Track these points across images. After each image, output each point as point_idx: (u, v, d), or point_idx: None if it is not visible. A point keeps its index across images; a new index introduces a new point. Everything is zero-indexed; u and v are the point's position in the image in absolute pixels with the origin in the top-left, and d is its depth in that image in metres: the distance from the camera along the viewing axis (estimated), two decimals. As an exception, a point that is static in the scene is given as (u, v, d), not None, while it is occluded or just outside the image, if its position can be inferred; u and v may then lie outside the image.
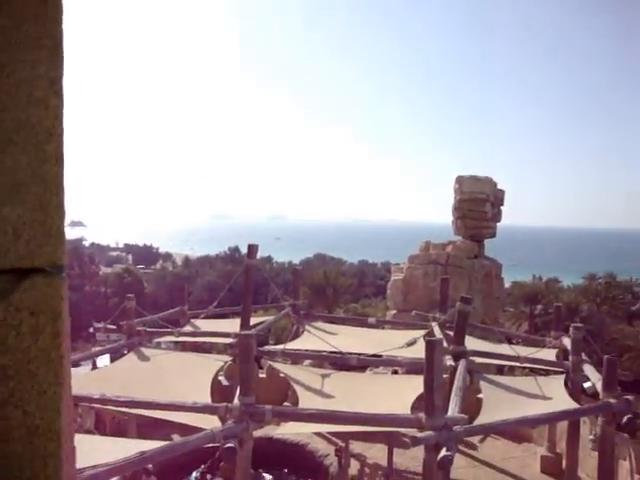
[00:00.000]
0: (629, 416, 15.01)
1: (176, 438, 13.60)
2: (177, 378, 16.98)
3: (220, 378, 22.66)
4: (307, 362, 24.05)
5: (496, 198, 43.32)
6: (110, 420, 21.75)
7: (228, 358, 19.28)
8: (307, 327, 23.08)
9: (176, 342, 24.64)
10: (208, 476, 20.63)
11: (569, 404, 16.97)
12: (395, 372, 26.86)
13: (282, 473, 21.64)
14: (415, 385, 14.63)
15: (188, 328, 23.43)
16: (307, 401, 15.63)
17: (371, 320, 27.69)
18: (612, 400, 15.17)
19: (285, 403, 23.17)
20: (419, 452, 12.80)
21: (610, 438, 15.88)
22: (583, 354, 19.82)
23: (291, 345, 20.77)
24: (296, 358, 21.87)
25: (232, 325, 22.17)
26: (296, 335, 23.02)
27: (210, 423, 12.64)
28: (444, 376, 14.54)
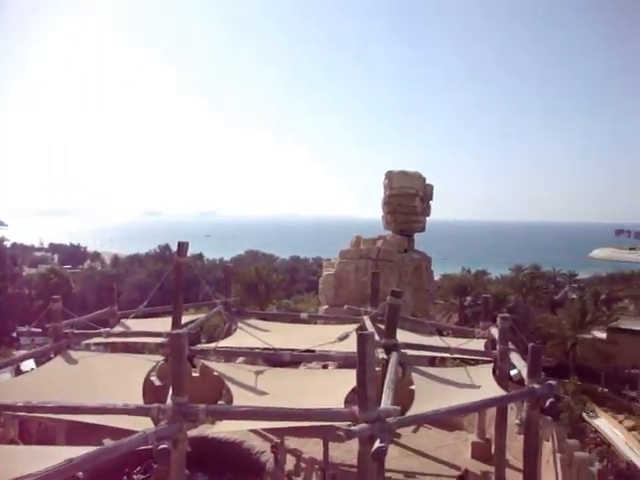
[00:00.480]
0: (552, 400, 15.66)
1: (107, 443, 13.26)
2: (108, 380, 16.54)
3: (152, 378, 22.30)
4: (240, 359, 23.87)
5: (425, 193, 44.20)
6: (36, 428, 20.99)
7: (160, 358, 18.95)
8: (239, 324, 22.97)
9: (106, 343, 23.94)
10: (139, 477, 20.19)
11: (497, 391, 17.52)
12: (325, 367, 27.08)
13: (218, 472, 21.45)
14: (348, 379, 14.77)
15: (118, 328, 22.86)
16: (241, 399, 15.57)
17: (303, 315, 27.76)
18: (536, 385, 15.76)
19: (219, 402, 23.00)
20: (354, 445, 12.94)
21: (535, 421, 16.50)
22: (510, 343, 20.47)
23: (224, 343, 20.58)
24: (229, 356, 21.66)
25: (163, 324, 21.76)
26: (228, 333, 22.86)
27: (143, 425, 12.36)
28: (376, 369, 14.73)
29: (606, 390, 46.35)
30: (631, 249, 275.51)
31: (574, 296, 75.03)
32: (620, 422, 40.76)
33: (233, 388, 16.62)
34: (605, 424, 40.48)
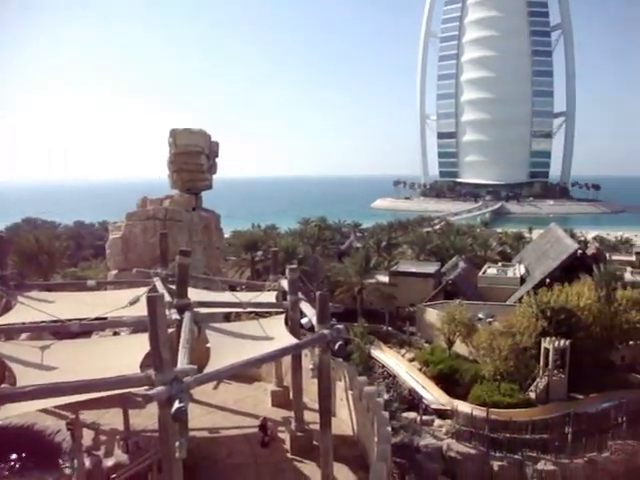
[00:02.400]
0: (340, 343, 16.79)
1: None
2: None
3: None
4: (24, 336, 22.23)
5: (211, 150, 43.95)
6: None
7: None
8: (20, 299, 21.21)
9: None
10: None
11: (290, 340, 18.35)
12: (116, 333, 26.22)
13: (4, 461, 19.77)
14: (142, 343, 14.49)
15: None
16: (26, 378, 14.52)
17: (90, 283, 26.51)
18: (325, 331, 16.77)
19: (3, 385, 21.27)
20: (155, 409, 12.75)
21: (326, 364, 17.60)
22: (300, 293, 21.45)
23: (1, 321, 19.02)
24: (9, 334, 20.09)
25: None
26: (7, 309, 21.07)
27: None
28: (170, 330, 14.62)
29: (390, 328, 50.56)
30: (406, 198, 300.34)
31: (359, 245, 79.84)
32: (402, 355, 44.90)
33: (16, 368, 15.46)
34: (390, 359, 44.33)
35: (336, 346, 16.74)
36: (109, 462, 18.46)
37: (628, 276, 54.55)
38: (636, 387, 41.09)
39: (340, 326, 17.10)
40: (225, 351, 16.40)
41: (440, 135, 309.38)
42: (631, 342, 43.97)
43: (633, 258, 76.95)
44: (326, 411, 17.87)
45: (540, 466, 31.25)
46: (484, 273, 60.72)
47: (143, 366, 14.57)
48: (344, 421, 22.74)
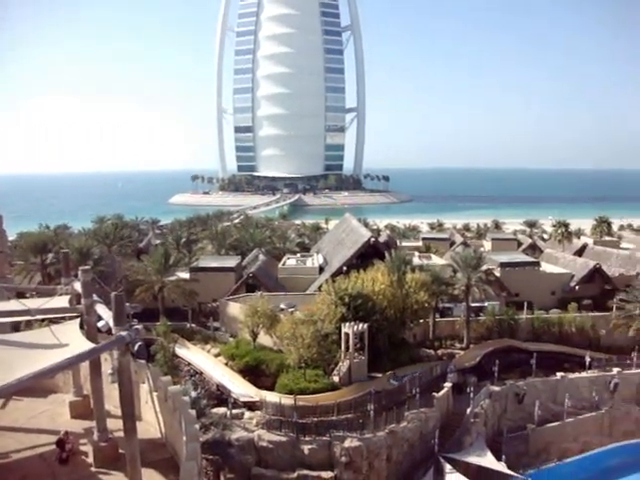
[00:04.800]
0: (140, 344, 16.05)
1: None
2: None
3: None
4: None
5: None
6: None
7: None
8: None
9: None
10: None
11: (86, 345, 17.13)
12: None
13: None
14: None
15: None
16: None
17: None
18: (123, 332, 15.91)
19: None
20: None
21: (127, 367, 16.70)
22: (95, 295, 20.15)
23: None
24: None
25: None
26: None
27: None
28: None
29: (194, 325, 49.75)
30: (205, 193, 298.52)
31: (158, 242, 77.67)
32: (208, 351, 44.46)
33: None
34: (196, 356, 43.65)
35: (136, 347, 15.98)
36: None
37: (416, 260, 59.03)
38: (426, 360, 45.09)
39: (139, 326, 16.37)
40: (11, 364, 14.84)
41: (237, 129, 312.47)
42: (421, 320, 47.92)
43: (420, 243, 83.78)
44: (130, 416, 17.01)
45: (347, 444, 32.78)
46: (284, 264, 62.16)
47: None
48: (151, 424, 21.86)
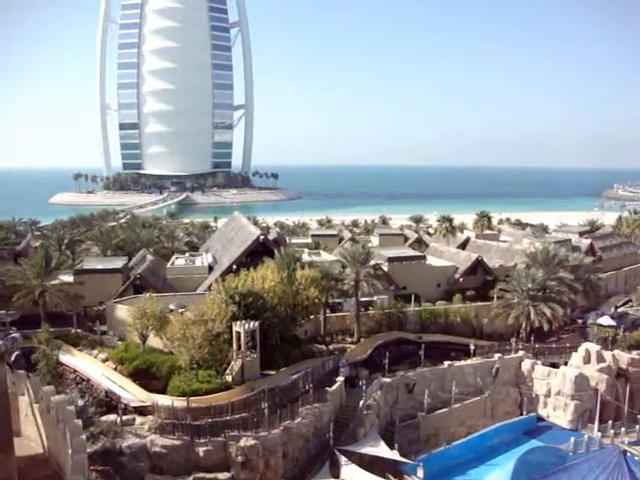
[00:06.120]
0: (17, 353, 15.09)
1: None
2: None
3: None
4: None
5: None
6: None
7: None
8: None
9: None
10: None
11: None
12: None
13: None
14: None
15: None
16: None
17: None
18: (-1, 341, 14.91)
19: None
20: None
21: (2, 379, 15.66)
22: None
23: None
24: None
25: None
26: None
27: None
28: None
29: (79, 330, 47.42)
30: (89, 192, 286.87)
31: (37, 244, 73.67)
32: (95, 357, 42.57)
33: None
34: (82, 362, 41.68)
35: (12, 357, 14.99)
36: None
37: (306, 257, 59.67)
38: (318, 356, 45.67)
39: (16, 335, 15.38)
40: None
41: (122, 126, 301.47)
42: (312, 316, 48.41)
43: (309, 240, 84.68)
44: (5, 433, 15.95)
45: (242, 443, 32.58)
46: (172, 264, 61.04)
47: None
48: (32, 439, 20.63)
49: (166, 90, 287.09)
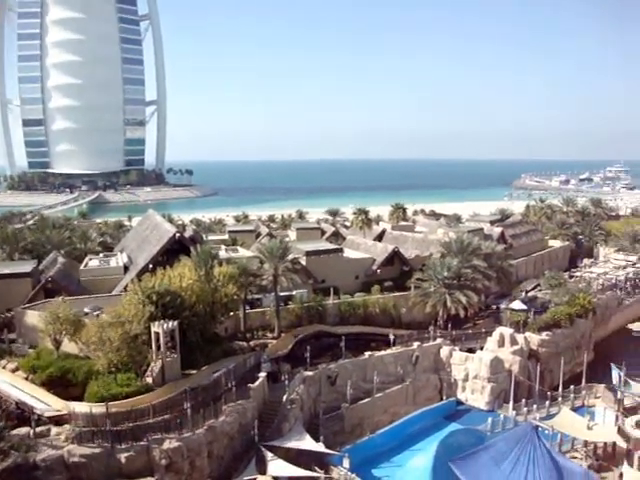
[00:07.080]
0: None
1: None
2: None
3: None
4: None
5: None
6: None
7: None
8: None
9: None
10: None
11: None
12: None
13: None
14: None
15: None
16: None
17: None
18: None
19: None
20: None
21: None
22: None
23: None
24: None
25: None
26: None
27: None
28: None
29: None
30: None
31: None
32: (4, 367, 40.58)
33: None
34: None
35: None
36: None
37: (223, 253, 59.15)
38: (240, 353, 45.54)
39: None
40: None
41: (26, 122, 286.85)
42: (231, 313, 48.16)
43: (226, 237, 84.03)
44: None
45: (166, 445, 31.98)
46: (86, 266, 59.28)
47: None
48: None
49: (72, 85, 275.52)
